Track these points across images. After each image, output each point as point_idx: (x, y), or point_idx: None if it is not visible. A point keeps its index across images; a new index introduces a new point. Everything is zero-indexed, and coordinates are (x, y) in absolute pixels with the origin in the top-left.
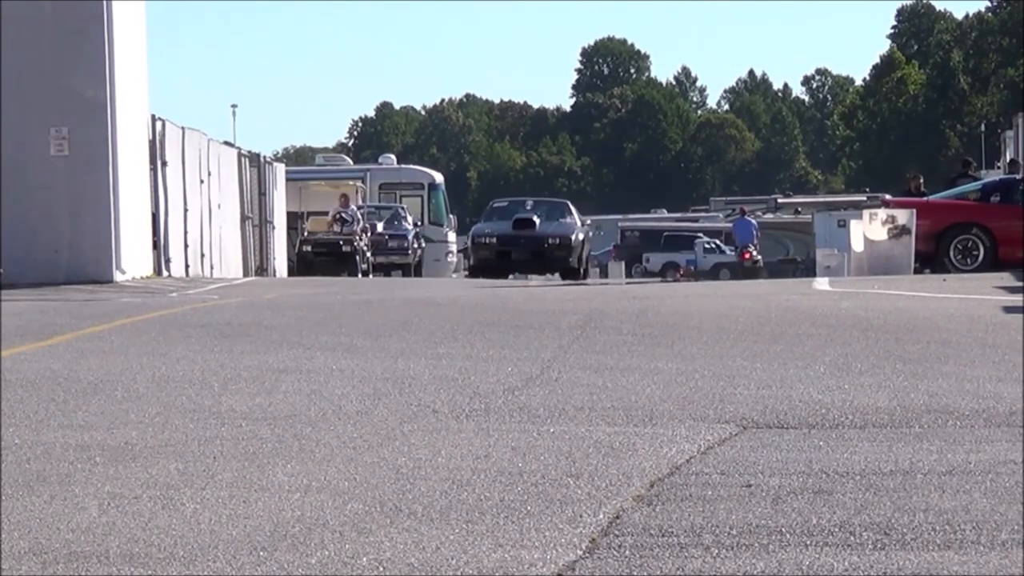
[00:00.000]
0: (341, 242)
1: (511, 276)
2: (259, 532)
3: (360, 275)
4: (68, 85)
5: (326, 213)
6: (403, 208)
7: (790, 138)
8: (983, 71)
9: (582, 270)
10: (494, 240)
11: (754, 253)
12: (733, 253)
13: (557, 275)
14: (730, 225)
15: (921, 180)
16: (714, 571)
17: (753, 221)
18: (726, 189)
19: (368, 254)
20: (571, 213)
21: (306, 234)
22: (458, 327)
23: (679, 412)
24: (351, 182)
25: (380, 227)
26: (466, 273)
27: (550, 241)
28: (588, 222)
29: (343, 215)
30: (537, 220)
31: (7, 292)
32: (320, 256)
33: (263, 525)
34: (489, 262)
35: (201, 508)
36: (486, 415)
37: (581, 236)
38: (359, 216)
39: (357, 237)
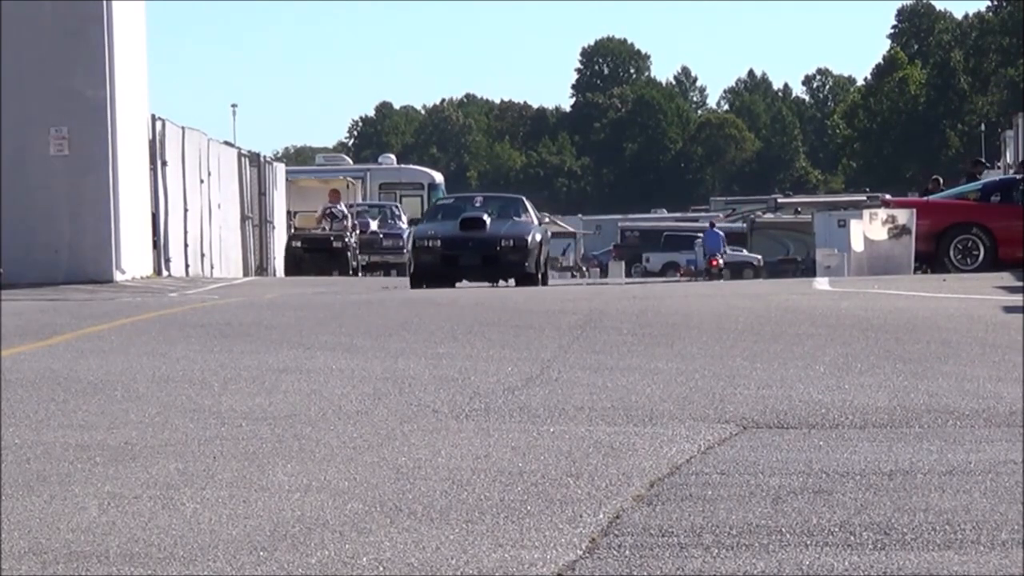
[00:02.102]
0: (332, 238)
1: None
2: (259, 532)
3: (351, 273)
4: (68, 85)
5: (316, 210)
6: (397, 207)
7: (790, 138)
8: (983, 71)
9: (540, 275)
10: (438, 243)
11: (720, 261)
12: (733, 253)
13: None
14: (732, 225)
15: (941, 182)
16: (714, 571)
17: (721, 233)
18: (726, 189)
19: (357, 252)
20: (527, 210)
21: (294, 230)
22: (458, 327)
23: (679, 412)
24: (342, 177)
25: (374, 226)
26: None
27: (503, 243)
28: (547, 219)
29: (333, 211)
30: (487, 219)
31: (7, 292)
32: (309, 253)
33: (263, 525)
34: (433, 268)
35: (201, 508)
36: (486, 415)
37: (539, 237)
38: (348, 213)
39: (347, 234)
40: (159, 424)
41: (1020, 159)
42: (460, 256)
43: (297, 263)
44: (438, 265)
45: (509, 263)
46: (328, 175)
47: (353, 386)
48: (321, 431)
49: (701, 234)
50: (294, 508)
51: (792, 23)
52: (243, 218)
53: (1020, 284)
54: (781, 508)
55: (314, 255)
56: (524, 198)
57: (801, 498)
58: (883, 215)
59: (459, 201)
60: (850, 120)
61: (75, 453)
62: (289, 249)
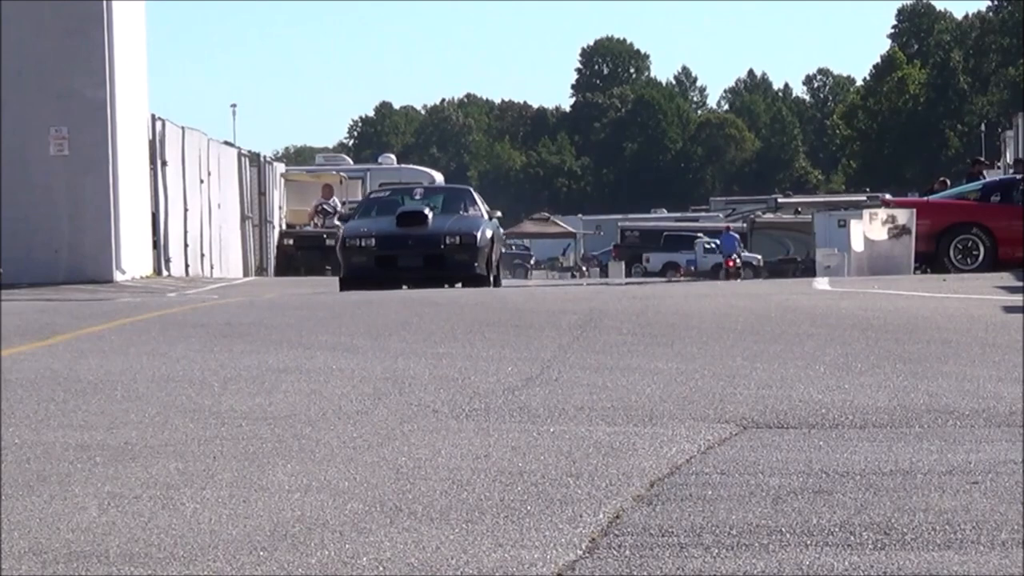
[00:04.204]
0: (325, 236)
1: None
2: (259, 532)
3: None
4: (68, 85)
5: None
6: None
7: (790, 138)
8: (983, 71)
9: (492, 277)
10: (372, 242)
11: (737, 261)
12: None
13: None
14: (732, 225)
15: (948, 184)
16: (714, 571)
17: (736, 236)
18: (726, 189)
19: None
20: (476, 203)
21: (286, 227)
22: (458, 327)
23: (679, 412)
24: (335, 172)
25: None
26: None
27: (448, 240)
28: (499, 215)
29: (325, 207)
30: (430, 213)
31: (7, 292)
32: (302, 251)
33: (263, 525)
34: (366, 271)
35: (201, 508)
36: (486, 415)
37: (489, 233)
38: (341, 209)
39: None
40: (159, 424)
41: (1017, 159)
42: (398, 256)
43: (289, 261)
44: (372, 267)
45: (455, 263)
46: (323, 172)
47: (353, 386)
48: (321, 431)
49: (700, 235)
50: (294, 508)
51: (792, 23)
52: (243, 218)
53: (1020, 284)
54: (781, 508)
55: (306, 253)
56: (472, 189)
57: (801, 498)
58: (883, 215)
59: (396, 193)
60: (850, 120)
61: (75, 453)
62: (281, 247)
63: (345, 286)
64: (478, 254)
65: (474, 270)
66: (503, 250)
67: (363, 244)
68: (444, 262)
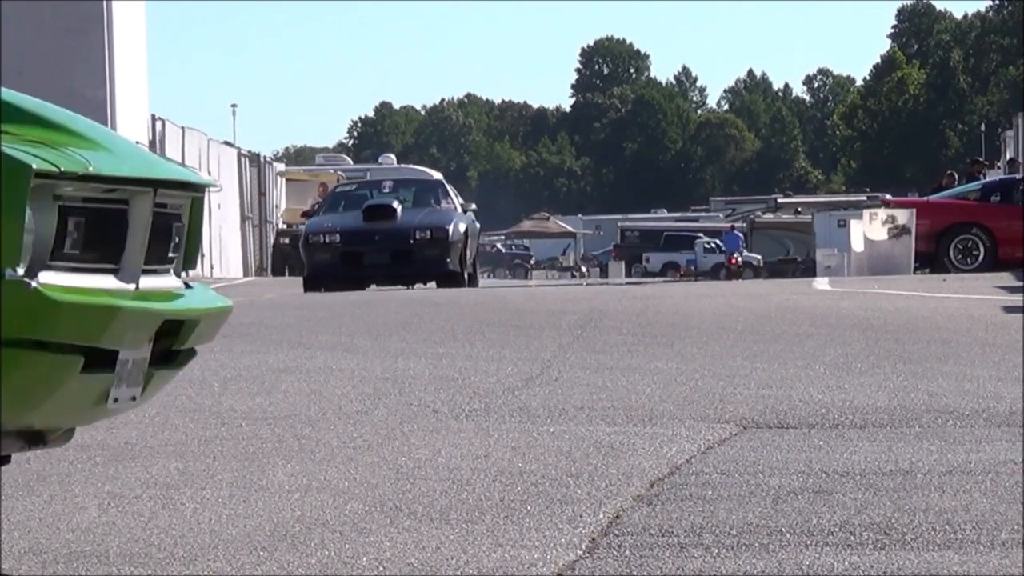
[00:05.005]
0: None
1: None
2: (259, 532)
3: None
4: (68, 85)
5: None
6: None
7: (790, 138)
8: (983, 71)
9: (467, 275)
10: (337, 238)
11: (739, 260)
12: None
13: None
14: (730, 225)
15: (956, 177)
16: (714, 571)
17: (740, 235)
18: (726, 189)
19: None
20: (449, 196)
21: (284, 225)
22: (458, 327)
23: (679, 412)
24: (332, 171)
25: None
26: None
27: (418, 235)
28: (474, 207)
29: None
30: (398, 207)
31: None
32: (298, 250)
33: (263, 525)
34: (331, 268)
35: (201, 508)
36: (486, 415)
37: (463, 227)
38: None
39: None
40: (159, 424)
41: (1010, 158)
42: (365, 253)
43: (285, 260)
44: (337, 265)
45: (426, 260)
46: (321, 172)
47: (353, 386)
48: (321, 431)
49: (700, 235)
50: (294, 508)
51: (792, 23)
52: (243, 218)
53: (1020, 284)
54: (781, 508)
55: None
56: (444, 181)
57: (801, 498)
58: (883, 215)
59: (363, 187)
60: (850, 120)
61: (75, 453)
62: (277, 247)
63: (309, 286)
64: (450, 249)
65: (446, 267)
66: (480, 246)
67: (327, 240)
68: (413, 258)
